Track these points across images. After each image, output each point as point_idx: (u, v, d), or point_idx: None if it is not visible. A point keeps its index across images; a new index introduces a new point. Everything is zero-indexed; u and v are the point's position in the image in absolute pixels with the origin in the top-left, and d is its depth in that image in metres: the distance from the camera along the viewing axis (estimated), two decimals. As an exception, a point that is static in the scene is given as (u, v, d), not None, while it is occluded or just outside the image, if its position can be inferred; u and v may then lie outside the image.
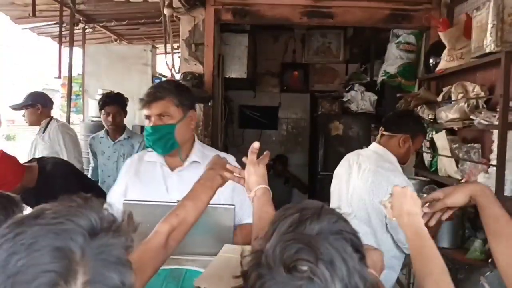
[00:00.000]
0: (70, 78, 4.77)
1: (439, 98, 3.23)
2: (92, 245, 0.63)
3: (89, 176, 3.67)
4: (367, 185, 2.27)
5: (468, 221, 2.83)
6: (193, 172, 1.84)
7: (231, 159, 1.92)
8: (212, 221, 1.55)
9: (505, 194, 2.38)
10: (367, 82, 5.15)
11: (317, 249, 0.75)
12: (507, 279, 1.13)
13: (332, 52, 5.74)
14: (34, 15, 4.06)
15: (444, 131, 3.13)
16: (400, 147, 2.37)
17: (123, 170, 2.01)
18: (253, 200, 1.40)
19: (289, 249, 0.75)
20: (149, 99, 1.83)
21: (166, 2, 3.64)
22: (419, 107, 3.42)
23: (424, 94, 3.44)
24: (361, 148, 2.66)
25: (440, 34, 3.13)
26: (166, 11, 3.69)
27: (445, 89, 3.19)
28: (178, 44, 4.07)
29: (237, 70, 4.68)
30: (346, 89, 5.22)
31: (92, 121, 4.79)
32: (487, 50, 2.45)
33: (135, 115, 4.60)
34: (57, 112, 6.10)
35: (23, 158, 2.62)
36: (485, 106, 2.73)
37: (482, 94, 2.75)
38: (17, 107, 3.61)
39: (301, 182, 6.00)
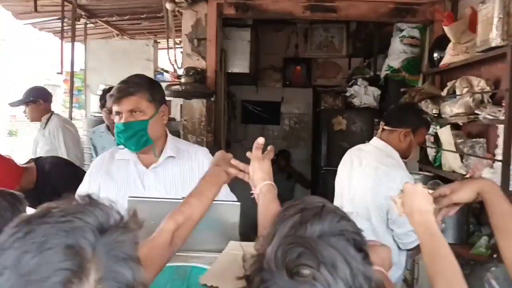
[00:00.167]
0: (72, 74, 4.76)
1: (444, 93, 3.21)
2: (102, 242, 0.63)
3: None
4: (367, 181, 2.26)
5: (472, 216, 2.82)
6: (169, 168, 1.85)
7: (204, 152, 1.94)
8: (217, 217, 1.54)
9: (510, 189, 2.36)
10: (370, 77, 5.12)
11: (319, 252, 0.74)
12: (515, 275, 1.12)
13: (335, 46, 5.72)
14: (36, 10, 4.05)
15: (448, 126, 3.11)
16: (401, 142, 2.34)
17: (93, 169, 1.91)
18: (258, 197, 1.39)
19: (291, 253, 0.75)
20: (120, 94, 1.75)
21: (168, -3, 3.62)
22: (423, 102, 3.40)
23: (429, 88, 3.42)
24: (364, 143, 2.64)
25: (445, 28, 3.10)
26: (168, 6, 3.67)
27: (449, 84, 3.17)
28: (180, 39, 4.06)
29: (239, 65, 4.66)
30: (349, 84, 5.20)
31: (94, 116, 4.77)
32: (493, 44, 2.43)
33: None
34: (59, 107, 6.10)
35: (26, 155, 2.60)
36: (490, 100, 2.71)
37: (488, 88, 2.73)
38: (18, 104, 3.58)
39: (303, 177, 5.99)
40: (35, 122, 3.75)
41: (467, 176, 2.79)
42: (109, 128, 3.56)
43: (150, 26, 5.68)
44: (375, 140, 2.42)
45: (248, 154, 1.44)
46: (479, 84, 2.78)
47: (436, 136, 3.33)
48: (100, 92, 3.87)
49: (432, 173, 3.35)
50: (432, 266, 1.09)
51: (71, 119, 4.51)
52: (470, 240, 2.72)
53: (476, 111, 2.66)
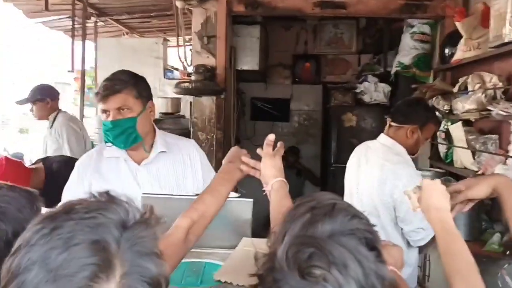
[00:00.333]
0: (83, 72, 4.79)
1: (455, 89, 3.18)
2: (125, 237, 0.65)
3: None
4: (374, 179, 2.25)
5: (485, 213, 2.80)
6: (160, 163, 1.84)
7: (193, 143, 1.97)
8: (230, 214, 1.55)
9: (524, 185, 2.34)
10: (380, 73, 5.09)
11: (329, 253, 0.74)
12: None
13: (344, 43, 5.68)
14: (47, 9, 4.08)
15: (460, 122, 3.08)
16: (409, 138, 2.30)
17: (81, 167, 1.89)
18: (269, 193, 1.39)
19: (302, 254, 0.75)
20: (107, 92, 1.72)
21: (178, -5, 3.63)
22: (434, 98, 3.38)
23: (440, 84, 3.40)
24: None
25: (457, 23, 3.07)
26: (178, 4, 3.68)
27: (461, 80, 3.14)
28: (190, 37, 4.06)
29: (248, 62, 4.65)
30: (359, 80, 5.18)
31: (105, 114, 4.79)
32: (506, 40, 2.40)
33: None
34: (70, 106, 6.13)
35: (37, 153, 2.62)
36: (503, 96, 2.69)
37: (500, 84, 2.70)
38: (25, 102, 3.53)
39: (313, 174, 5.98)
40: (43, 121, 3.73)
41: (479, 172, 2.77)
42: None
43: (160, 24, 5.69)
44: (382, 137, 2.40)
45: (258, 151, 1.44)
46: (492, 80, 2.75)
47: (447, 133, 3.31)
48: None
49: (444, 170, 3.33)
50: (449, 263, 1.09)
51: (82, 117, 4.53)
52: (483, 237, 2.70)
53: (489, 107, 2.63)
